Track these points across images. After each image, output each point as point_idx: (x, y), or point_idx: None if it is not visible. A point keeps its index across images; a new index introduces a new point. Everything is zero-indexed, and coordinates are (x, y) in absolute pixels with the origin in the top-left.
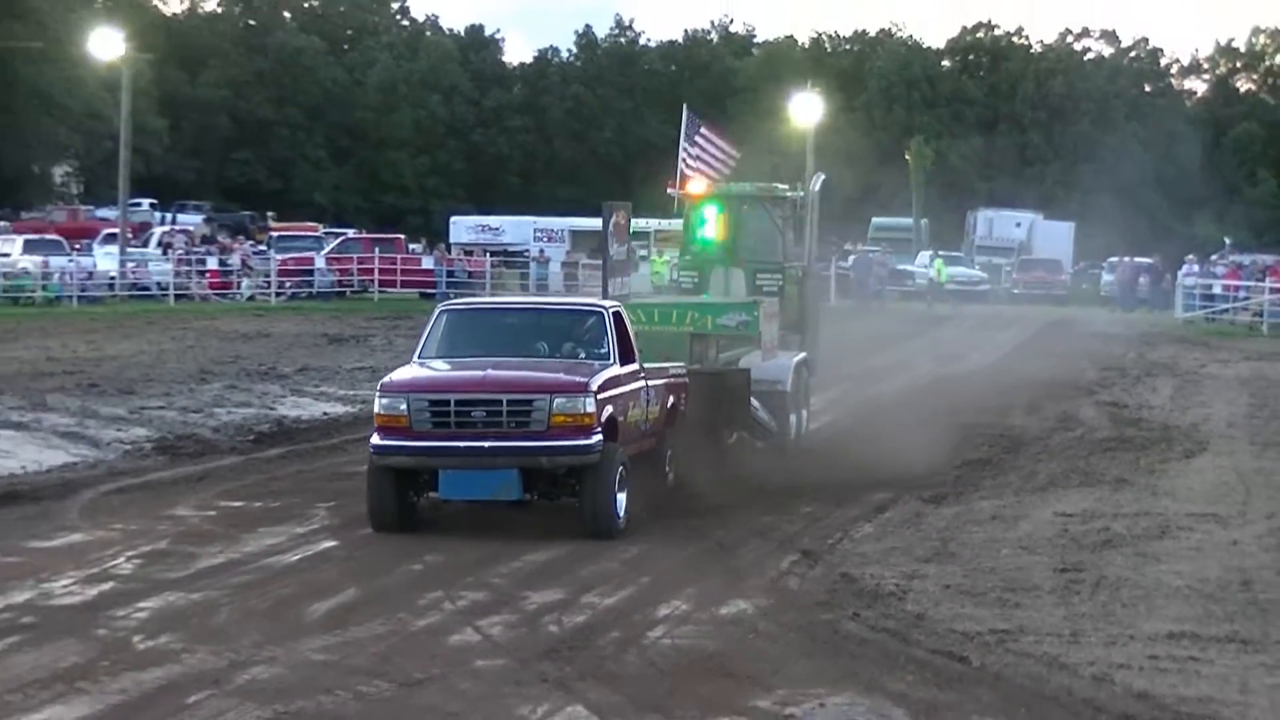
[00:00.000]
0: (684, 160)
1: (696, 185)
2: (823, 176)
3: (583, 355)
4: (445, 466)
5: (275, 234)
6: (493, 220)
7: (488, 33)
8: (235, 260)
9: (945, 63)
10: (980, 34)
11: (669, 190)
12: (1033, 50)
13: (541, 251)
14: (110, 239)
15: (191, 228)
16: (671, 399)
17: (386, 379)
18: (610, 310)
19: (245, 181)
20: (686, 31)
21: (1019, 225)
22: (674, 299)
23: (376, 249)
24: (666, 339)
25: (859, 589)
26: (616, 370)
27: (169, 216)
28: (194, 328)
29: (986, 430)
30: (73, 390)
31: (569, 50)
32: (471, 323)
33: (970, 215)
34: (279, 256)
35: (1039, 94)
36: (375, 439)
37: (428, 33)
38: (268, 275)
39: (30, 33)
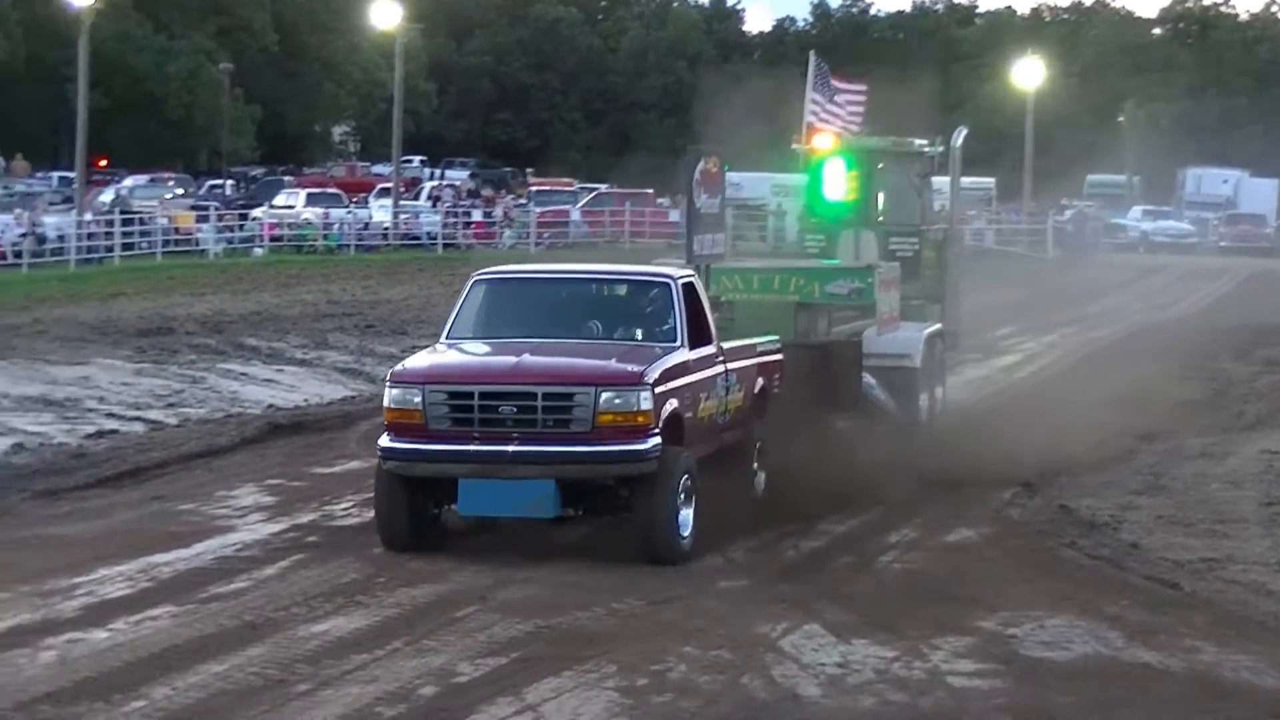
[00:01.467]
0: (813, 113)
1: (823, 139)
2: (965, 130)
3: (642, 336)
4: (465, 475)
5: (534, 189)
6: (733, 176)
7: (729, 4)
8: (498, 212)
9: (1156, 31)
10: (1190, 4)
11: (794, 146)
12: (1239, 19)
13: (779, 205)
14: (384, 193)
15: (458, 182)
16: (761, 381)
17: (399, 366)
18: (680, 280)
19: (506, 140)
20: (914, 2)
21: (1226, 182)
22: (774, 262)
23: (628, 203)
24: (769, 309)
25: (1076, 519)
26: (684, 355)
27: (437, 172)
28: (460, 274)
29: (1196, 373)
30: (351, 330)
31: (805, 20)
32: (510, 296)
33: (1180, 173)
34: (538, 209)
35: (1245, 60)
36: (384, 440)
37: (675, 4)
38: (527, 226)
39: (315, 6)
